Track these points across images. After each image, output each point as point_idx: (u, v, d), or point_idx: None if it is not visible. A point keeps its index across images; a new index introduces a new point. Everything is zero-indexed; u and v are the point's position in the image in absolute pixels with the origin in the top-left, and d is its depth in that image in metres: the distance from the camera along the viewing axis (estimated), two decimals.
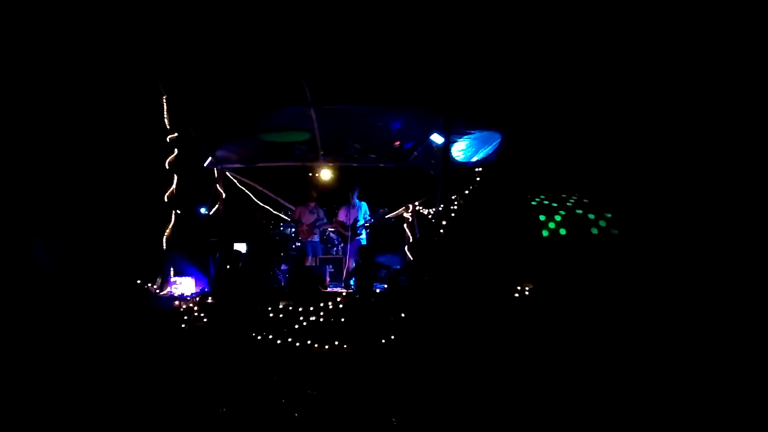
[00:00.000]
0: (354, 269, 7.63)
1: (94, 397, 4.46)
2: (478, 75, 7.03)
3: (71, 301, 6.07)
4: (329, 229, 10.22)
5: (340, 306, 6.47)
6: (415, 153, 9.66)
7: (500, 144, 8.20)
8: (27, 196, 6.96)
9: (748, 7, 6.55)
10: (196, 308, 6.42)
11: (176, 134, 7.31)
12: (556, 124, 8.24)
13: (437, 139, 8.15)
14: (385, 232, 10.65)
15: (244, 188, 10.47)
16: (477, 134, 8.05)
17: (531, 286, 6.69)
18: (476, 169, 8.33)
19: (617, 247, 7.53)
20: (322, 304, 6.48)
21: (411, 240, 10.20)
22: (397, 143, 9.36)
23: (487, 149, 8.45)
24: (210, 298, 6.74)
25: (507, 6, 6.66)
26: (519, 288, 6.65)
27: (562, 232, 7.86)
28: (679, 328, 5.66)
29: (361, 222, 9.09)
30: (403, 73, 6.79)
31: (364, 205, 9.29)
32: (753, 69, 6.80)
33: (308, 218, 9.29)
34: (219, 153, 9.46)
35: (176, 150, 7.31)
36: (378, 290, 7.27)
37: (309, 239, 9.33)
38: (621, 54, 7.43)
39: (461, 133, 7.99)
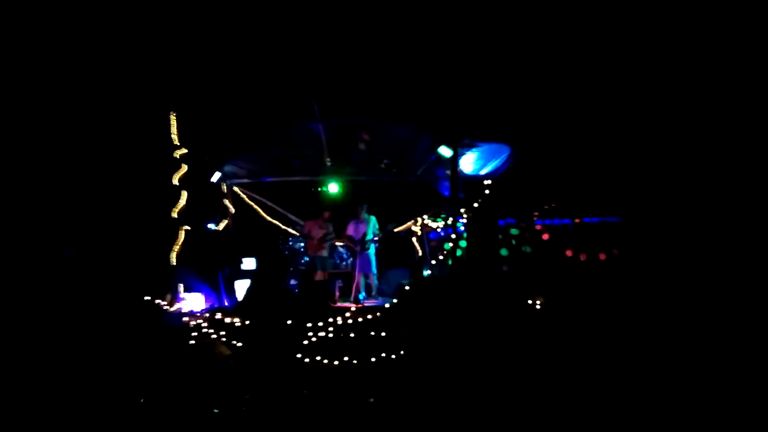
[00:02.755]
0: None
1: (101, 411, 4.44)
2: (485, 88, 7.03)
3: (79, 316, 6.06)
4: (338, 244, 10.19)
5: (350, 321, 6.41)
6: (424, 166, 9.67)
7: (509, 157, 8.17)
8: (36, 211, 7.00)
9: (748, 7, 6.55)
10: (205, 324, 6.39)
11: (185, 150, 7.34)
12: (563, 136, 8.22)
13: (445, 152, 8.13)
14: (394, 246, 10.62)
15: (252, 203, 10.49)
16: (485, 147, 8.03)
17: (542, 300, 6.61)
18: (485, 182, 8.30)
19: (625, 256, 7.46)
20: (331, 320, 6.43)
21: (420, 254, 10.15)
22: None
23: (496, 162, 8.42)
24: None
25: (514, 18, 6.68)
26: (530, 302, 6.57)
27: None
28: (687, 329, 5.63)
29: (370, 236, 9.06)
30: (411, 87, 6.80)
31: (373, 219, 9.27)
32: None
33: (318, 233, 9.28)
34: (227, 168, 9.50)
35: (185, 165, 7.33)
36: (387, 305, 7.21)
37: (318, 254, 9.31)
38: (625, 67, 7.43)
39: (469, 146, 7.97)
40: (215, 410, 4.64)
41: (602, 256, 7.84)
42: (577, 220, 8.15)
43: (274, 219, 10.71)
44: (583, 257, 7.67)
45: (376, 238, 9.13)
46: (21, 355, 5.35)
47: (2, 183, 6.86)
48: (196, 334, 6.29)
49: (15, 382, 4.93)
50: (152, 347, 5.84)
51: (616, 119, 8.00)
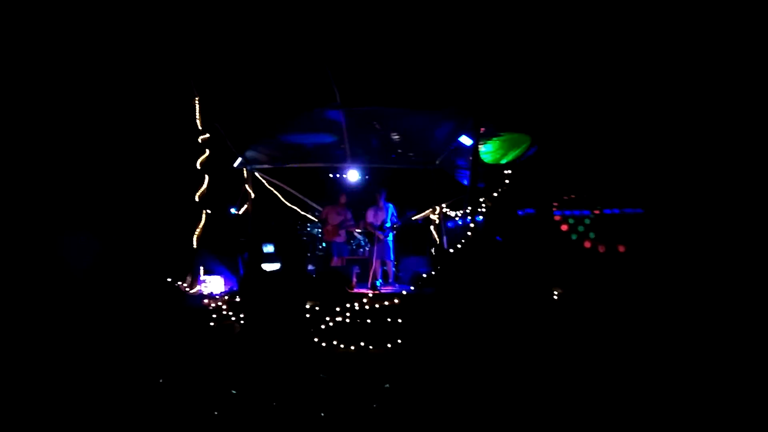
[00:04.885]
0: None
1: (121, 392, 4.56)
2: (507, 77, 6.97)
3: (102, 299, 6.20)
4: (356, 230, 10.24)
5: (366, 307, 6.47)
6: (444, 155, 9.64)
7: (530, 147, 8.09)
8: (60, 195, 7.13)
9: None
10: (224, 307, 6.51)
11: (207, 135, 7.42)
12: (585, 128, 8.12)
13: (466, 141, 8.09)
14: (412, 234, 10.63)
15: (272, 188, 10.58)
16: (506, 136, 7.96)
17: (560, 291, 6.59)
18: (505, 171, 8.24)
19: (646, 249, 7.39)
20: (348, 305, 6.50)
21: (437, 243, 10.16)
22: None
23: (517, 152, 8.35)
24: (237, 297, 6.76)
25: (535, 10, 6.60)
26: (548, 293, 6.56)
27: (591, 235, 7.74)
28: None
29: (389, 224, 9.08)
30: (433, 74, 6.76)
31: (391, 207, 9.28)
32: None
33: (335, 219, 9.33)
34: (248, 154, 9.58)
35: (207, 150, 7.41)
36: (404, 292, 7.25)
37: (334, 240, 9.37)
38: (648, 59, 7.31)
39: (490, 135, 7.92)
40: (233, 391, 4.74)
41: (621, 248, 7.74)
42: (596, 212, 8.03)
43: (293, 204, 10.80)
44: (601, 249, 7.59)
45: (394, 226, 9.15)
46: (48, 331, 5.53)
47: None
48: (215, 316, 6.41)
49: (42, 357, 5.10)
50: (173, 328, 5.97)
51: (641, 107, 7.87)
